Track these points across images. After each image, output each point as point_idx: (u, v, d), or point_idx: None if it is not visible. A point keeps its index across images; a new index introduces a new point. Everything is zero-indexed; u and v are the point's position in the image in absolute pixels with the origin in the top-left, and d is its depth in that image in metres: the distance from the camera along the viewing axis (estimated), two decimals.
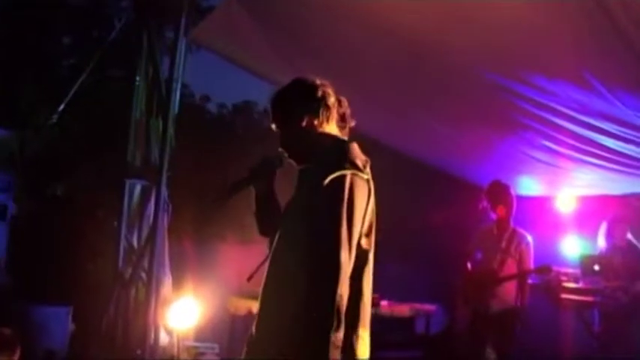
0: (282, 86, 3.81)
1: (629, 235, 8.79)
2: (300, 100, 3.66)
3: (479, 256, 8.15)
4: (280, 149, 3.75)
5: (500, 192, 8.07)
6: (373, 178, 3.47)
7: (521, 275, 7.88)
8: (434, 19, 5.97)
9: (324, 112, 3.64)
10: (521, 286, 7.85)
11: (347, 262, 3.27)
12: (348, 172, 3.33)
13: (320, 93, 3.65)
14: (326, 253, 3.25)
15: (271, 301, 3.47)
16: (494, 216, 8.08)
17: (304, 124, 3.62)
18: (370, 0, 6.01)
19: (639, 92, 6.26)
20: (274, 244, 3.55)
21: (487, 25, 5.89)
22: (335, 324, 3.17)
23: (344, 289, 3.23)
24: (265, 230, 3.86)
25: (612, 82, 6.18)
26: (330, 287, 3.19)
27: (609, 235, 8.84)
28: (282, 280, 3.42)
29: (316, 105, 3.63)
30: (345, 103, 3.75)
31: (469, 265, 8.21)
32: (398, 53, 6.53)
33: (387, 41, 6.41)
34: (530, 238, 8.01)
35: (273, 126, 3.75)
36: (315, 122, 3.62)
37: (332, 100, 3.67)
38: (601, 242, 8.96)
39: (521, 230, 8.02)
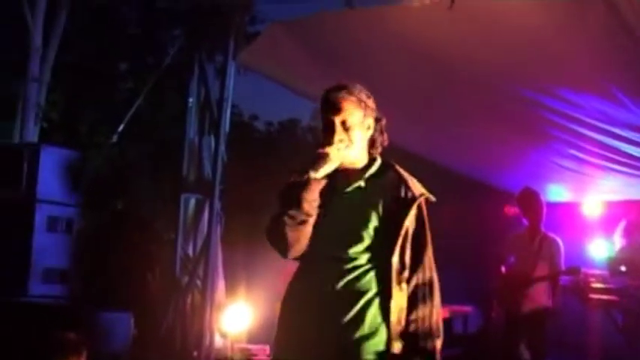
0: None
1: None
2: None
3: (512, 259, 8.06)
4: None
5: (530, 199, 7.98)
6: None
7: (553, 276, 7.79)
8: (467, 40, 5.97)
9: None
10: (552, 288, 7.77)
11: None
12: (422, 199, 3.33)
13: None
14: (430, 275, 3.31)
15: (357, 313, 3.21)
16: (525, 221, 7.99)
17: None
18: (407, 24, 6.03)
19: None
20: (335, 251, 3.27)
21: (517, 44, 5.88)
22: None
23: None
24: (295, 242, 3.27)
25: (635, 94, 6.13)
26: (438, 306, 3.30)
27: (627, 236, 8.76)
28: (366, 292, 3.24)
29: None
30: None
31: (503, 269, 8.13)
32: (434, 72, 6.54)
33: (423, 61, 6.41)
34: (560, 242, 7.92)
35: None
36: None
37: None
38: (617, 242, 8.88)
39: (551, 234, 7.93)
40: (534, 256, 7.76)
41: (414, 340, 3.25)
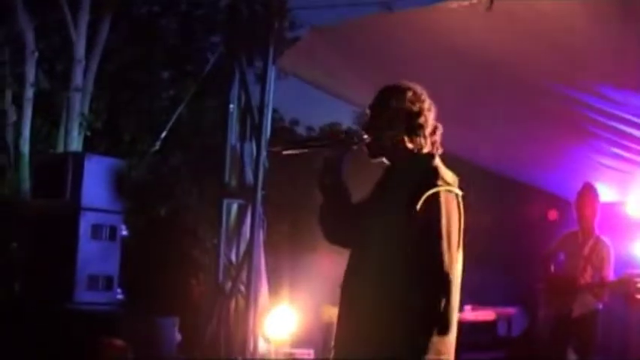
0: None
1: None
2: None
3: (562, 258, 7.93)
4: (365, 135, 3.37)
5: (588, 195, 7.82)
6: None
7: (600, 286, 7.64)
8: (506, 40, 5.97)
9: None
10: (601, 292, 7.61)
11: (455, 275, 3.19)
12: (442, 189, 3.19)
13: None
14: (436, 272, 3.12)
15: (377, 314, 3.21)
16: (578, 220, 7.83)
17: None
18: (445, 25, 6.01)
19: None
20: (360, 250, 3.34)
21: (557, 43, 5.87)
22: (438, 329, 3.08)
23: (455, 302, 3.17)
24: (334, 231, 3.45)
25: None
26: (438, 299, 3.10)
27: None
28: (385, 293, 3.20)
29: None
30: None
31: (552, 268, 8.01)
32: (474, 73, 6.53)
33: (463, 62, 6.39)
34: (611, 247, 7.76)
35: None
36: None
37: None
38: None
39: (604, 238, 7.75)
40: (584, 260, 7.63)
41: None
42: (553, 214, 10.08)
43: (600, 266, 7.60)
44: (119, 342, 6.47)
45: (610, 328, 8.24)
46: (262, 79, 7.33)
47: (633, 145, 7.72)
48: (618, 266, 8.06)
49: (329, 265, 8.21)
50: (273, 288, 7.68)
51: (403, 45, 6.49)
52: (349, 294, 3.36)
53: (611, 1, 5.31)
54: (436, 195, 3.18)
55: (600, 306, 7.58)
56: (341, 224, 3.42)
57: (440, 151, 3.39)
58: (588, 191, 7.75)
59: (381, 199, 3.37)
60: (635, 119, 6.95)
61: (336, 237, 3.48)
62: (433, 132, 3.40)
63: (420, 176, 3.26)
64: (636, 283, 8.22)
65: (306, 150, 3.49)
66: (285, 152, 3.49)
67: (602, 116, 7.02)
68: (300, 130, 16.84)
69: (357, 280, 3.32)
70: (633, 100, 6.52)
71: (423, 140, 3.36)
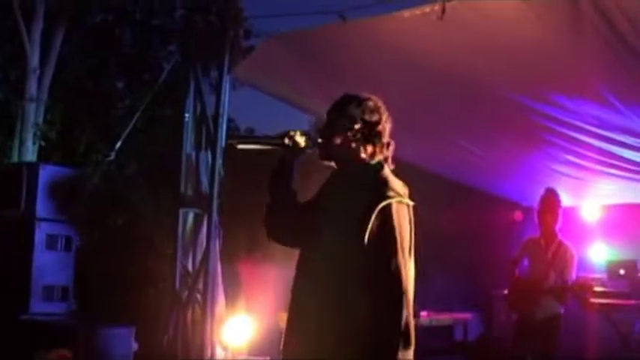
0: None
1: None
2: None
3: (526, 263, 8.04)
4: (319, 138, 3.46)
5: (551, 200, 7.93)
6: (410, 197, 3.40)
7: (561, 290, 7.75)
8: (460, 49, 6.04)
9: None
10: (561, 298, 7.72)
11: (407, 285, 3.20)
12: (394, 201, 3.23)
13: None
14: (389, 281, 3.16)
15: (321, 318, 3.26)
16: (540, 225, 7.95)
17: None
18: (399, 34, 6.08)
19: None
20: (308, 252, 3.41)
21: (510, 52, 5.96)
22: (402, 344, 3.10)
23: (410, 311, 3.17)
24: (277, 229, 3.60)
25: (627, 98, 6.18)
26: (399, 314, 3.12)
27: None
28: (330, 297, 3.25)
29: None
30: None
31: (517, 272, 8.11)
32: (428, 81, 6.61)
33: (417, 70, 6.47)
34: (574, 251, 7.88)
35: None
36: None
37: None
38: None
39: (567, 243, 7.87)
40: (547, 264, 7.73)
41: None
42: (512, 221, 10.23)
43: (563, 270, 7.72)
44: (67, 353, 6.45)
45: (567, 332, 8.37)
46: (217, 88, 7.34)
47: (586, 153, 7.86)
48: (584, 276, 8.22)
49: (285, 273, 8.25)
50: (230, 296, 7.69)
51: (358, 54, 6.54)
52: (297, 295, 3.41)
53: (562, 12, 5.39)
54: (389, 207, 3.21)
55: (562, 310, 7.70)
56: (285, 223, 3.55)
57: (392, 166, 3.43)
58: (550, 197, 7.87)
59: (328, 202, 3.42)
60: (588, 127, 7.07)
61: (278, 235, 3.61)
62: (387, 146, 3.45)
63: (371, 187, 3.29)
64: (591, 286, 8.37)
65: (260, 146, 3.61)
66: (240, 146, 3.60)
67: (556, 124, 7.13)
68: None
69: (305, 282, 3.38)
70: (585, 108, 6.63)
71: (377, 150, 3.41)
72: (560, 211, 7.90)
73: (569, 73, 6.05)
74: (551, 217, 7.83)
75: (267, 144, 3.60)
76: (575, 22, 5.36)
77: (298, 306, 3.40)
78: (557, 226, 7.84)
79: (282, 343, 3.41)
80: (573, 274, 7.82)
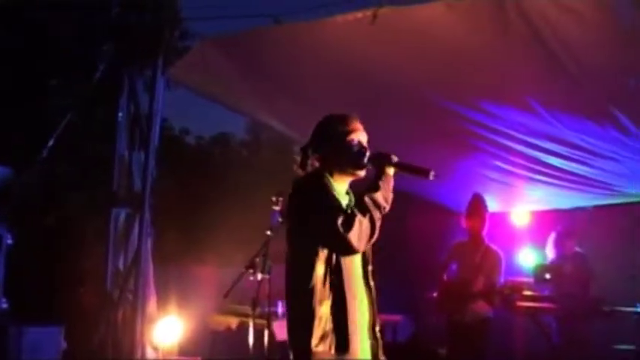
0: None
1: (577, 247, 8.93)
2: None
3: (454, 268, 8.17)
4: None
5: (477, 205, 8.08)
6: None
7: (489, 294, 7.89)
8: (390, 54, 6.13)
9: None
10: (489, 301, 7.87)
11: None
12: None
13: None
14: None
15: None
16: (468, 229, 8.09)
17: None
18: (332, 38, 6.16)
19: (577, 114, 6.42)
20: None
21: (438, 57, 6.06)
22: None
23: None
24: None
25: (552, 106, 6.34)
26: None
27: (558, 246, 8.96)
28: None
29: None
30: None
31: (445, 277, 8.24)
32: (360, 85, 6.63)
33: (349, 74, 6.54)
34: (502, 255, 8.05)
35: None
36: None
37: None
38: (549, 252, 9.09)
39: (494, 247, 8.03)
40: (475, 269, 7.87)
41: None
42: (443, 225, 10.36)
43: (491, 274, 7.88)
44: None
45: (495, 335, 8.53)
46: (151, 88, 7.35)
47: (515, 159, 8.01)
48: (504, 274, 8.38)
49: (216, 274, 8.32)
50: (162, 297, 7.71)
51: (292, 58, 6.60)
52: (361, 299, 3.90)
53: (489, 20, 5.52)
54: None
55: (491, 313, 7.86)
56: None
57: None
58: (477, 202, 8.03)
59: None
60: (515, 134, 7.20)
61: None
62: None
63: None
64: (519, 290, 8.56)
65: (408, 172, 4.14)
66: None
67: (486, 131, 7.22)
68: (190, 140, 16.81)
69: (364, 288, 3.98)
70: (512, 115, 6.76)
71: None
72: (487, 216, 8.08)
73: (496, 80, 6.17)
74: (478, 221, 7.99)
75: (415, 172, 4.11)
76: (502, 29, 5.48)
77: (360, 311, 3.86)
78: (484, 231, 8.01)
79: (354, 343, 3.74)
80: (501, 278, 8.00)
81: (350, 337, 3.71)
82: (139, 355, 7.22)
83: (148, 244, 7.42)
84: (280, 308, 8.29)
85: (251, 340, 6.10)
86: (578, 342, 8.62)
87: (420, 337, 10.20)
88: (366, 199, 3.83)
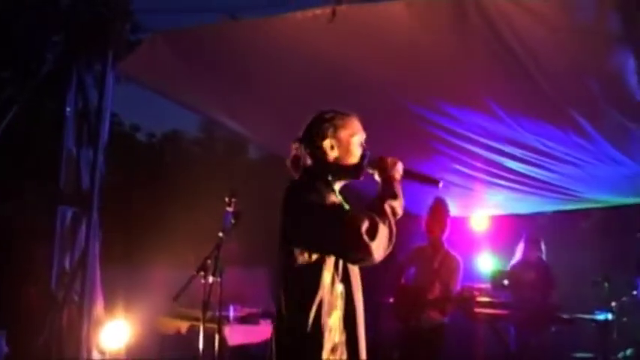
0: None
1: (542, 254, 9.04)
2: None
3: (412, 272, 8.22)
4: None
5: (439, 209, 8.13)
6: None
7: (445, 301, 7.94)
8: (349, 52, 6.14)
9: None
10: (443, 309, 7.92)
11: None
12: None
13: None
14: None
15: None
16: (428, 234, 8.13)
17: None
18: (290, 36, 6.16)
19: (537, 118, 6.50)
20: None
21: (398, 57, 6.08)
22: None
23: None
24: None
25: (512, 109, 6.41)
26: None
27: (523, 252, 9.07)
28: None
29: None
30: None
31: (402, 280, 8.27)
32: (317, 84, 6.63)
33: (307, 73, 6.54)
34: (460, 262, 8.10)
35: None
36: None
37: None
38: (516, 256, 9.20)
39: (453, 253, 8.09)
40: (433, 274, 7.92)
41: None
42: (402, 228, 10.41)
43: (448, 280, 7.94)
44: None
45: (453, 342, 8.60)
46: (100, 82, 7.30)
47: (474, 163, 8.08)
48: (463, 279, 8.45)
49: (166, 276, 8.29)
50: (109, 298, 7.66)
51: (249, 55, 6.55)
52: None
53: (449, 20, 5.55)
54: None
55: (446, 319, 7.92)
56: None
57: None
58: (438, 206, 8.09)
59: None
60: (475, 137, 7.27)
61: None
62: None
63: None
64: (474, 297, 8.64)
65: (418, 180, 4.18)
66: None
67: (446, 133, 7.27)
68: (141, 137, 16.70)
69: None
70: (472, 117, 6.82)
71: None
72: (448, 221, 8.14)
73: (456, 82, 6.22)
74: (438, 226, 8.05)
75: (424, 180, 4.18)
76: (461, 29, 5.54)
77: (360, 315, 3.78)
78: (445, 236, 8.07)
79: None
80: (458, 285, 8.07)
81: (360, 347, 3.68)
82: (84, 357, 7.17)
83: (96, 244, 7.36)
84: (232, 312, 8.30)
85: (201, 344, 6.06)
86: (535, 350, 8.74)
87: (376, 342, 10.24)
88: (386, 206, 3.76)
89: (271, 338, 3.77)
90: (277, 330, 3.73)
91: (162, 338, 8.50)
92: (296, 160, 3.94)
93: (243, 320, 8.46)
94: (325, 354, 3.55)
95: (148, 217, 10.46)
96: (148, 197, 11.15)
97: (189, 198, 10.44)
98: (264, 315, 8.65)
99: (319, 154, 3.89)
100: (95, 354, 7.31)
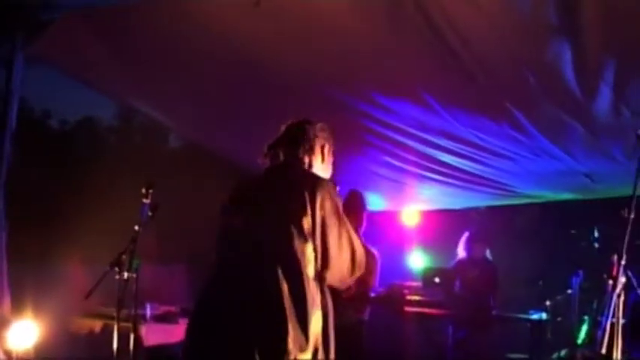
0: None
1: (487, 253, 9.15)
2: None
3: None
4: None
5: (354, 202, 8.11)
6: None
7: (361, 300, 7.95)
8: (275, 40, 6.11)
9: None
10: (360, 308, 7.94)
11: None
12: None
13: None
14: None
15: None
16: None
17: None
18: (213, 19, 6.09)
19: (472, 110, 6.56)
20: None
21: (327, 46, 6.07)
22: None
23: None
24: None
25: (447, 101, 6.46)
26: None
27: (468, 250, 9.16)
28: None
29: None
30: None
31: None
32: (241, 71, 6.62)
33: (231, 59, 6.49)
34: (377, 256, 8.13)
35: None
36: None
37: None
38: (461, 253, 9.29)
39: (372, 248, 8.10)
40: None
41: None
42: None
43: (366, 277, 7.96)
44: None
45: (381, 342, 8.65)
46: (8, 65, 7.14)
47: (406, 155, 8.13)
48: (392, 276, 8.50)
49: (78, 272, 8.17)
50: (16, 296, 7.53)
51: (168, 37, 6.45)
52: None
53: (382, 9, 5.53)
54: None
55: (366, 316, 7.95)
56: None
57: None
58: (353, 199, 8.06)
59: None
60: (409, 129, 7.32)
61: None
62: None
63: None
64: (404, 295, 8.70)
65: None
66: None
67: (377, 124, 7.31)
68: (53, 124, 16.41)
69: None
70: (406, 109, 6.86)
71: None
72: (365, 215, 8.13)
73: (389, 72, 6.24)
74: (353, 219, 8.03)
75: None
76: (397, 18, 5.54)
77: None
78: (361, 230, 8.08)
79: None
80: (376, 282, 8.10)
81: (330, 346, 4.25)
82: None
83: (3, 238, 7.23)
84: (149, 310, 8.22)
85: (115, 344, 5.98)
86: (469, 349, 8.85)
87: None
88: None
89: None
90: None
91: (74, 338, 8.37)
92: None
93: (160, 319, 8.38)
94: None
95: (59, 210, 10.30)
96: (59, 188, 10.98)
97: (104, 189, 10.30)
98: (183, 313, 8.58)
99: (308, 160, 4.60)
100: (0, 355, 7.18)
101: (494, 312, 8.85)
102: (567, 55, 5.42)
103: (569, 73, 5.62)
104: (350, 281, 4.38)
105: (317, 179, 4.30)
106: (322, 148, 4.64)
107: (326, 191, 4.19)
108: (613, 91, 5.80)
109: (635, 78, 5.63)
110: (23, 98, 8.14)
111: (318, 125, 4.69)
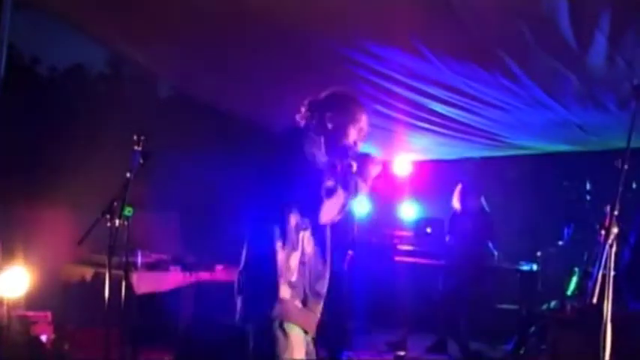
0: None
1: (483, 202, 9.25)
2: None
3: None
4: None
5: None
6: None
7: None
8: None
9: None
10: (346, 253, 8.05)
11: None
12: None
13: None
14: None
15: None
16: None
17: None
18: None
19: (465, 58, 6.58)
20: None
21: None
22: None
23: None
24: None
25: (439, 49, 6.46)
26: None
27: (462, 200, 9.26)
28: None
29: None
30: None
31: None
32: (233, 20, 6.57)
33: (224, 7, 6.47)
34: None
35: None
36: None
37: None
38: (456, 204, 9.38)
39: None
40: None
41: None
42: None
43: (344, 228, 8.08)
44: None
45: (368, 287, 8.74)
46: None
47: (397, 104, 8.15)
48: (383, 226, 8.59)
49: (69, 219, 8.21)
50: (5, 244, 7.59)
51: None
52: None
53: None
54: None
55: (345, 267, 8.07)
56: None
57: None
58: None
59: None
60: (400, 77, 7.32)
61: None
62: None
63: None
64: (394, 244, 8.81)
65: None
66: None
67: (366, 71, 7.29)
68: (42, 70, 16.32)
69: None
70: (396, 56, 6.84)
71: None
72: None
73: (378, 18, 6.19)
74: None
75: None
76: None
77: None
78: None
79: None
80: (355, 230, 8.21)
81: None
82: None
83: None
84: (140, 258, 8.29)
85: (107, 292, 6.05)
86: (459, 299, 8.98)
87: None
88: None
89: None
90: None
91: (65, 286, 8.45)
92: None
93: (151, 267, 8.45)
94: None
95: (49, 155, 10.31)
96: (49, 134, 10.98)
97: (95, 136, 10.31)
98: (174, 261, 8.66)
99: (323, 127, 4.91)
100: None
101: (495, 257, 8.96)
102: (563, 5, 5.43)
103: (564, 21, 5.62)
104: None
105: None
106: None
107: None
108: (608, 41, 5.81)
109: (631, 27, 5.63)
110: (11, 44, 8.13)
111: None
